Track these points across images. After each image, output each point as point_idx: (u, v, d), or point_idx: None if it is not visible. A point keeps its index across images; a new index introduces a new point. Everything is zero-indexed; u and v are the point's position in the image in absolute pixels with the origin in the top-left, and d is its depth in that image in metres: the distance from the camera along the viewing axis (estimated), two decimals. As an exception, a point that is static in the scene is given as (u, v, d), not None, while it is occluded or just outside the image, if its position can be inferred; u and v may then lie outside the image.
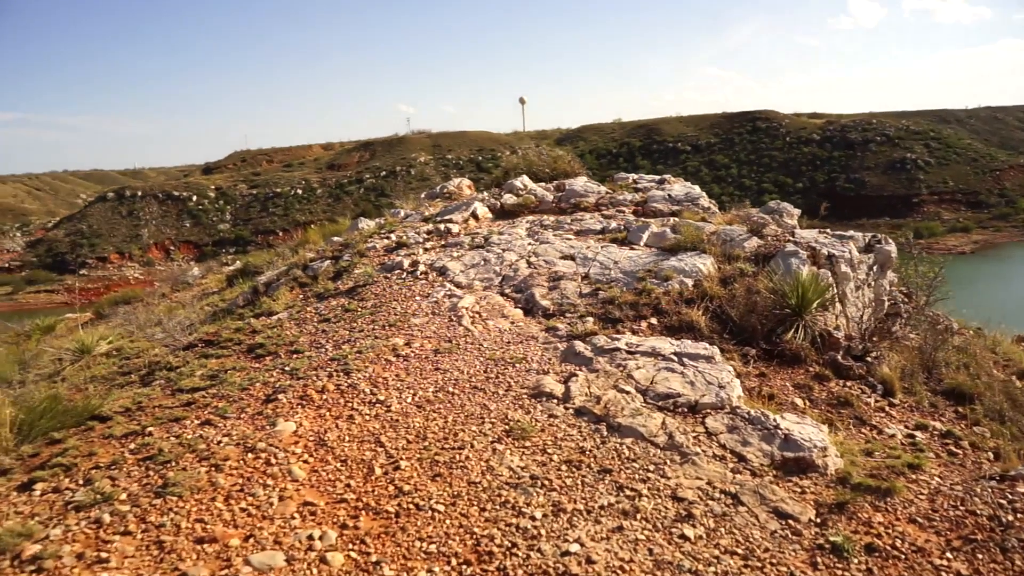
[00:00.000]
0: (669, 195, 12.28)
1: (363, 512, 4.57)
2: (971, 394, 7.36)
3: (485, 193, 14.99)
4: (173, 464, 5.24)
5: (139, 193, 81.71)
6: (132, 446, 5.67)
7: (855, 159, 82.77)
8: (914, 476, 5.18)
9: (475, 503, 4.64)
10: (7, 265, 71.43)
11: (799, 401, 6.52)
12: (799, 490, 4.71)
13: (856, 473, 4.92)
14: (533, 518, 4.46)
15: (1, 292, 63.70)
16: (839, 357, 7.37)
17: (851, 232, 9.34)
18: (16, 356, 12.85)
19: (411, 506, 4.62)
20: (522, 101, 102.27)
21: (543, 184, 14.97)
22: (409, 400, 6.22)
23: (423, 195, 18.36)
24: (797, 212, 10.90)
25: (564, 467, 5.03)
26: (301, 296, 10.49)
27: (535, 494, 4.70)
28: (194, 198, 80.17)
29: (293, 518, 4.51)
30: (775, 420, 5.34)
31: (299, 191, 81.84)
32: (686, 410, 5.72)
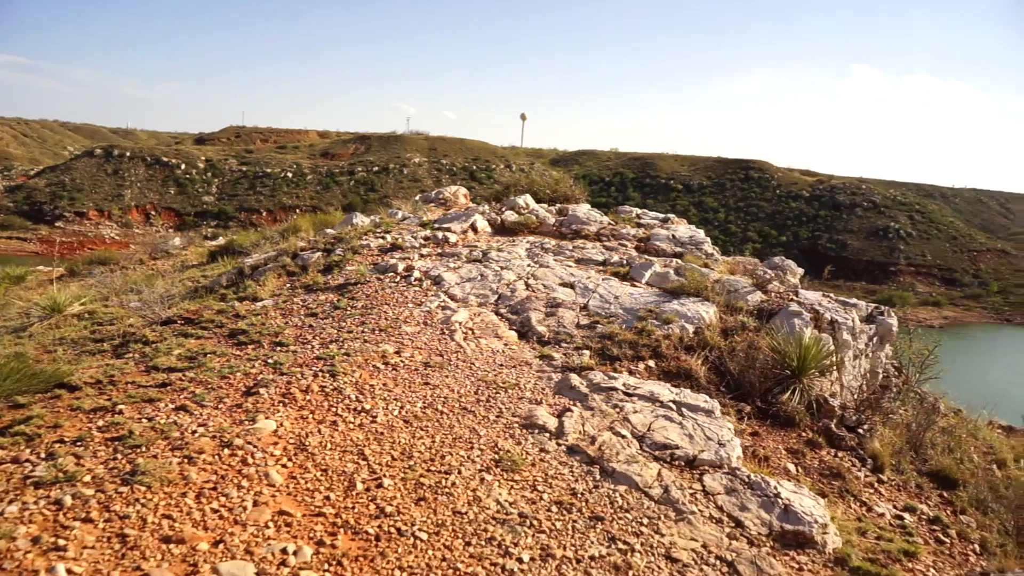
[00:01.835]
0: (673, 235, 12.16)
1: (341, 530, 4.31)
2: (955, 479, 7.28)
3: (486, 206, 14.81)
4: (143, 450, 4.95)
5: (127, 153, 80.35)
6: (101, 423, 5.36)
7: (840, 220, 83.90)
8: (910, 564, 5.05)
9: (460, 535, 4.40)
10: (-18, 207, 69.89)
11: (792, 467, 6.37)
12: (796, 566, 4.53)
13: (854, 555, 4.75)
14: (520, 560, 4.23)
15: (-29, 233, 62.30)
16: (833, 426, 7.25)
17: (854, 300, 9.27)
18: (-18, 304, 12.40)
19: (393, 530, 4.37)
20: (523, 117, 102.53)
21: (545, 206, 14.83)
22: (396, 413, 5.97)
23: (417, 198, 18.14)
24: (800, 271, 10.83)
25: (554, 508, 4.81)
26: (288, 285, 10.20)
27: (523, 534, 4.48)
28: (182, 166, 78.99)
29: (267, 527, 4.24)
30: (775, 487, 5.16)
31: (289, 174, 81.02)
32: (683, 464, 5.53)
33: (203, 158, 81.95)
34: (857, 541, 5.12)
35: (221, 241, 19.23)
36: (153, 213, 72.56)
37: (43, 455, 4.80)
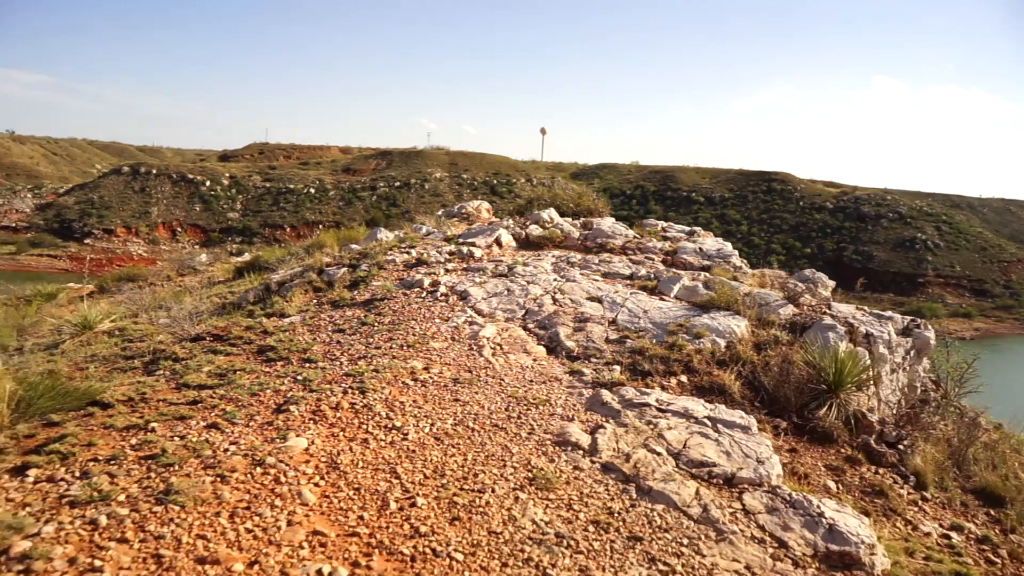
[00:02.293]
0: (700, 248, 12.04)
1: (376, 551, 4.24)
2: (1002, 496, 7.07)
3: (510, 220, 14.77)
4: (176, 468, 4.92)
5: (154, 171, 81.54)
6: (134, 441, 5.35)
7: (865, 232, 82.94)
8: (961, 587, 4.88)
9: (496, 556, 4.31)
10: (14, 225, 71.11)
11: (832, 484, 6.22)
12: (843, 589, 4.40)
13: (903, 577, 4.61)
14: (559, 582, 4.13)
15: (4, 251, 63.33)
16: (872, 441, 7.08)
17: (890, 312, 9.10)
18: (15, 320, 12.55)
19: (428, 550, 4.30)
20: (543, 131, 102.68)
21: (569, 219, 14.77)
22: (427, 430, 5.91)
23: (440, 212, 18.18)
24: (831, 284, 10.66)
25: (591, 528, 4.71)
26: (315, 301, 10.21)
27: (560, 555, 4.38)
28: (207, 183, 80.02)
29: (302, 547, 4.18)
30: (819, 506, 5.03)
31: (312, 190, 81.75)
32: (721, 482, 5.40)
33: (227, 175, 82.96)
34: (906, 562, 4.96)
35: (247, 257, 19.37)
36: (179, 230, 73.50)
37: (78, 474, 4.79)
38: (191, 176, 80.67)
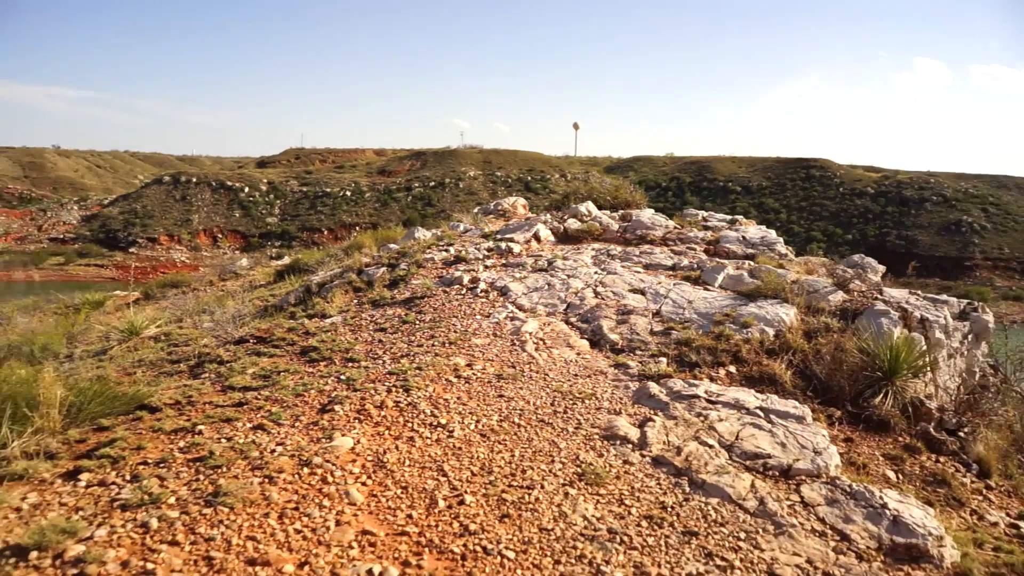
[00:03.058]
0: (743, 237, 11.79)
1: (426, 550, 4.18)
2: (1070, 485, 6.75)
3: (547, 215, 14.66)
4: (224, 470, 4.92)
5: (194, 179, 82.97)
6: (182, 444, 5.37)
7: (908, 216, 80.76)
8: (1036, 579, 4.65)
9: (548, 553, 4.22)
10: (62, 236, 72.98)
11: (891, 474, 5.99)
12: (912, 583, 4.21)
13: (976, 569, 4.40)
14: (613, 579, 4.02)
15: (53, 262, 64.96)
16: (931, 429, 6.82)
17: (944, 296, 8.78)
18: (65, 328, 12.81)
19: (478, 548, 4.22)
20: (575, 126, 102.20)
21: (607, 212, 14.60)
22: (472, 427, 5.84)
23: (476, 210, 18.13)
24: (882, 269, 10.33)
25: (644, 523, 4.59)
26: (355, 301, 10.21)
27: (614, 551, 4.27)
28: (246, 189, 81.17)
29: (351, 547, 4.14)
30: (881, 497, 4.83)
31: (348, 193, 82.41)
32: (777, 474, 5.24)
33: (265, 181, 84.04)
34: (975, 554, 4.74)
35: (287, 260, 19.55)
36: (220, 236, 74.67)
37: (128, 477, 4.81)
38: (230, 183, 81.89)
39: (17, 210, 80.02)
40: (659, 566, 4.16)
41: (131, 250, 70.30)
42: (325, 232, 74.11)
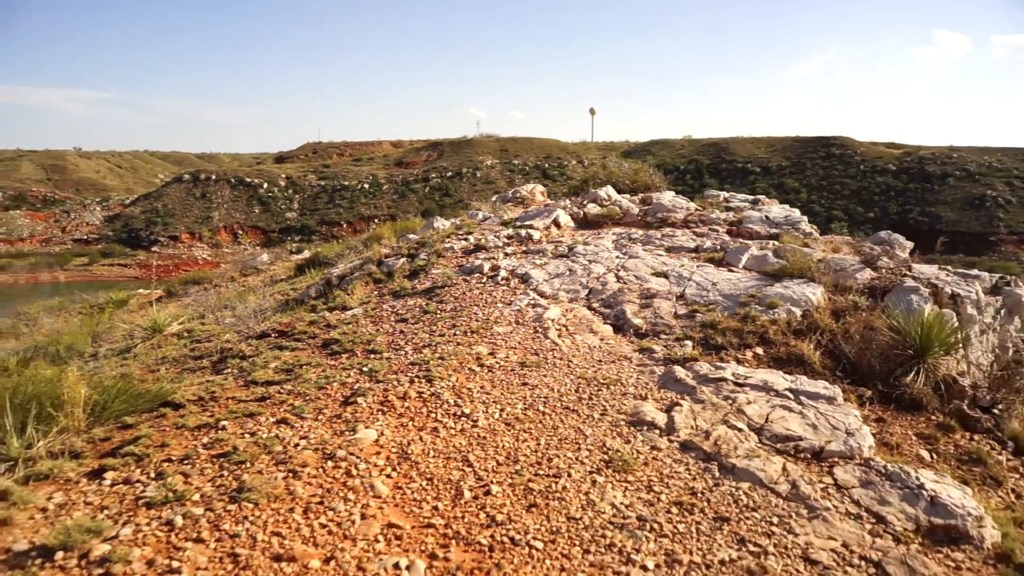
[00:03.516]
0: (766, 216, 11.59)
1: (453, 542, 4.12)
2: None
3: (566, 201, 14.53)
4: (248, 465, 4.89)
5: (213, 177, 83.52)
6: (205, 440, 5.35)
7: (931, 192, 79.22)
8: (1082, 559, 4.50)
9: (577, 543, 4.14)
10: (86, 237, 73.86)
11: (925, 453, 5.84)
12: (953, 564, 4.08)
13: (1018, 550, 4.26)
14: (644, 568, 3.94)
15: (78, 263, 65.79)
16: (965, 407, 6.65)
17: (975, 271, 8.56)
18: (90, 328, 12.92)
19: (506, 539, 4.15)
20: (592, 112, 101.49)
21: (627, 196, 14.44)
22: (497, 416, 5.77)
23: (495, 198, 18.03)
24: (910, 245, 10.11)
25: (674, 509, 4.50)
26: (376, 292, 10.17)
27: (644, 539, 4.18)
28: (265, 185, 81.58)
29: (377, 541, 4.09)
30: (917, 478, 4.70)
31: (366, 185, 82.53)
32: (809, 456, 5.12)
33: (283, 176, 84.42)
34: (1016, 534, 4.60)
35: (306, 254, 19.60)
36: (240, 232, 75.15)
37: (152, 475, 4.80)
38: (249, 179, 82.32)
39: (41, 212, 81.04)
40: (690, 553, 4.08)
41: (153, 249, 70.97)
42: (344, 225, 74.32)
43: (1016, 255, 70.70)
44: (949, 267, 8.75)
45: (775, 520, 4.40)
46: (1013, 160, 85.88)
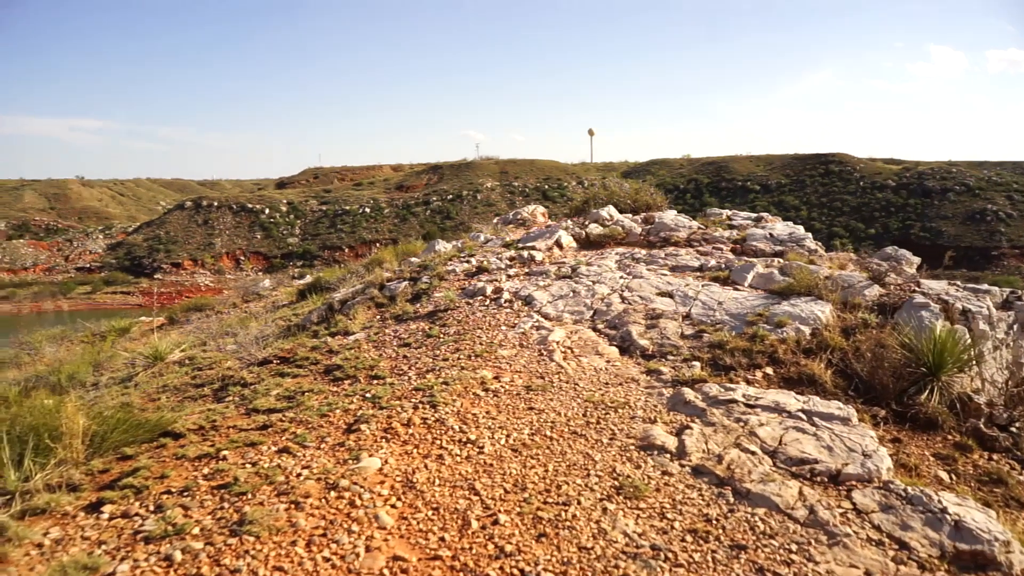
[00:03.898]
0: (771, 234, 11.51)
1: (461, 574, 3.98)
2: None
3: (568, 222, 14.46)
4: (249, 497, 4.76)
5: (215, 203, 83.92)
6: (206, 471, 5.23)
7: (932, 208, 79.42)
8: (1112, 584, 4.35)
9: (589, 574, 4.00)
10: (88, 265, 74.06)
11: (944, 475, 5.70)
12: (981, 593, 3.94)
13: (1048, 577, 4.11)
14: (660, 600, 3.80)
15: (81, 291, 65.91)
16: (982, 425, 6.51)
17: (985, 286, 8.45)
18: (92, 357, 12.81)
19: (515, 571, 4.01)
20: (591, 133, 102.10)
21: (629, 215, 14.38)
22: (503, 442, 5.64)
23: (496, 220, 17.98)
24: (917, 260, 10.01)
25: (689, 537, 4.36)
26: (378, 316, 10.07)
27: (659, 569, 4.04)
28: (266, 211, 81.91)
29: (382, 574, 3.95)
30: (939, 501, 4.56)
31: (367, 209, 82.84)
32: (826, 480, 4.98)
33: (285, 201, 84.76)
34: (1043, 559, 4.45)
35: (308, 279, 19.52)
36: (242, 258, 75.36)
37: (151, 508, 4.67)
38: (250, 205, 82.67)
39: (44, 241, 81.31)
40: (708, 584, 3.93)
41: (156, 276, 71.13)
42: (346, 250, 74.52)
43: (1019, 268, 70.54)
44: (958, 282, 8.64)
45: (794, 548, 4.25)
46: (1012, 173, 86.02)
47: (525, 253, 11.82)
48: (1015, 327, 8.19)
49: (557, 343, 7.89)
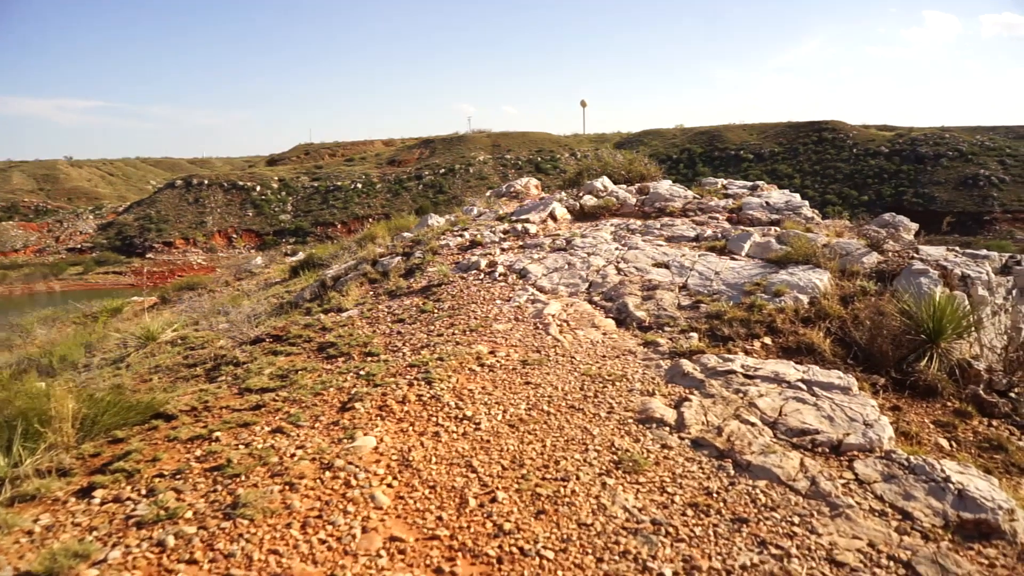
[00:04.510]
0: (767, 202, 11.38)
1: (459, 554, 3.91)
2: None
3: (562, 193, 14.31)
4: (243, 479, 4.68)
5: (206, 181, 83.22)
6: (198, 452, 5.15)
7: (925, 173, 79.23)
8: (1117, 550, 4.31)
9: (590, 551, 3.93)
10: (79, 246, 73.56)
11: (944, 442, 5.65)
12: (986, 561, 3.87)
13: (1052, 544, 4.06)
14: (662, 575, 3.74)
15: (73, 272, 65.52)
16: (981, 391, 6.45)
17: (984, 251, 8.37)
18: (83, 338, 12.69)
19: (515, 550, 3.95)
20: (583, 104, 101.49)
21: (624, 186, 14.23)
22: (500, 418, 5.56)
23: (489, 193, 17.81)
24: (915, 226, 9.91)
25: (689, 511, 4.30)
26: (371, 292, 9.97)
27: (660, 544, 3.98)
28: (258, 188, 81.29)
29: (379, 556, 3.88)
30: (942, 470, 4.50)
31: (359, 185, 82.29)
32: (827, 450, 4.91)
33: (276, 178, 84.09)
34: (1046, 526, 4.40)
35: (301, 256, 19.37)
36: (234, 236, 74.90)
37: (143, 492, 4.59)
38: (241, 183, 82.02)
39: (34, 223, 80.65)
40: (709, 558, 3.87)
41: (148, 255, 70.67)
42: (338, 226, 74.08)
43: (1010, 233, 70.60)
44: (957, 248, 8.56)
45: (796, 520, 4.20)
46: (1005, 138, 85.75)
47: (519, 226, 11.69)
48: (1014, 292, 8.13)
49: (553, 316, 7.79)
